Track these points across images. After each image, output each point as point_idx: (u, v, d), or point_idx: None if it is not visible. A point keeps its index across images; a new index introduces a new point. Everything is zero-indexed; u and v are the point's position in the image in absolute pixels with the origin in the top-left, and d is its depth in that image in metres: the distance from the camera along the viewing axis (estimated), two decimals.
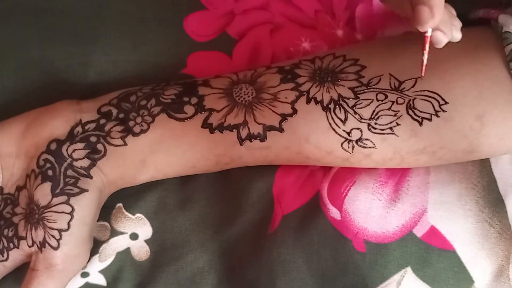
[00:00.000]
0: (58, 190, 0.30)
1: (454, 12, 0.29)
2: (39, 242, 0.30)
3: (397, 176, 0.33)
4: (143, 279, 0.33)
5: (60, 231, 0.29)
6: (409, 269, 0.32)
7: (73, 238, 0.30)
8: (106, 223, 0.33)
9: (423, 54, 0.28)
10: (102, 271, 0.33)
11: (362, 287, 0.32)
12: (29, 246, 0.30)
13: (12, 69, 0.34)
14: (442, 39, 0.27)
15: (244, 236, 0.33)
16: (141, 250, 0.34)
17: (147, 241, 0.34)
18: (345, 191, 0.33)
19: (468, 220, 0.32)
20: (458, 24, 0.29)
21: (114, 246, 0.33)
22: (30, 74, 0.34)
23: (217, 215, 0.34)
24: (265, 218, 0.33)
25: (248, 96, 0.31)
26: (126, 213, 0.34)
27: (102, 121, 0.31)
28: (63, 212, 0.30)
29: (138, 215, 0.34)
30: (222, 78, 0.33)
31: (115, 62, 0.35)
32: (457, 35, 0.29)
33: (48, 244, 0.29)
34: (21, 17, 0.35)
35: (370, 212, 0.33)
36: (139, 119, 0.31)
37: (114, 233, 0.33)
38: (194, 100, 0.31)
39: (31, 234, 0.30)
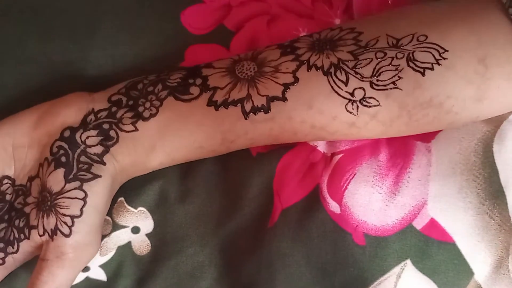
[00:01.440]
0: (71, 176, 0.30)
1: None
2: (51, 229, 0.29)
3: (397, 168, 0.33)
4: (143, 274, 0.33)
5: (72, 217, 0.29)
6: (408, 261, 0.32)
7: (86, 225, 0.30)
8: (108, 217, 0.33)
9: None
10: (103, 266, 0.33)
11: (362, 280, 0.32)
12: (40, 236, 0.30)
13: (11, 65, 0.34)
14: None
15: (244, 230, 0.33)
16: (142, 245, 0.33)
17: (148, 235, 0.33)
18: (345, 185, 0.33)
19: (468, 213, 0.32)
20: None
21: (115, 240, 0.33)
22: (30, 70, 0.34)
23: (217, 209, 0.33)
24: (264, 212, 0.33)
25: (250, 71, 0.31)
26: (128, 207, 0.33)
27: (114, 108, 0.31)
28: (76, 198, 0.29)
29: (140, 208, 0.33)
30: (224, 59, 0.33)
31: (113, 56, 0.34)
32: None
33: (60, 231, 0.29)
34: (19, 14, 0.34)
35: (369, 206, 0.32)
36: (147, 104, 0.31)
37: (116, 227, 0.33)
38: (198, 81, 0.31)
39: (43, 222, 0.29)
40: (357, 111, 0.30)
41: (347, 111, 0.30)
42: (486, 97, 0.30)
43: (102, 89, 0.33)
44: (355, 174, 0.33)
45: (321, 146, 0.34)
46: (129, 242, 0.33)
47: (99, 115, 0.31)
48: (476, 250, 0.31)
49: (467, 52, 0.29)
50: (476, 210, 0.32)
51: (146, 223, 0.33)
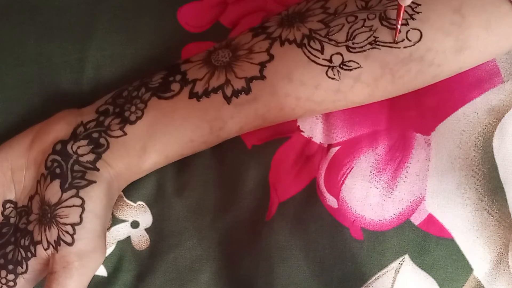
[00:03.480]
0: (67, 185, 0.29)
1: None
2: (54, 241, 0.29)
3: (396, 162, 0.32)
4: (142, 269, 0.33)
5: (73, 225, 0.29)
6: (407, 256, 0.31)
7: (87, 232, 0.29)
8: None
9: (398, 22, 0.28)
10: (103, 261, 0.33)
11: (360, 275, 0.31)
12: (45, 249, 0.29)
13: (10, 65, 0.34)
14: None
15: (242, 223, 0.33)
16: (141, 239, 0.33)
17: (147, 230, 0.33)
18: (342, 179, 0.32)
19: (466, 209, 0.30)
20: None
21: (115, 234, 0.33)
22: (28, 71, 0.34)
23: (214, 202, 0.33)
24: (261, 205, 0.32)
25: (225, 58, 0.31)
26: (128, 201, 0.33)
27: (101, 118, 0.31)
28: (73, 206, 0.29)
29: (139, 202, 0.33)
30: (200, 53, 0.32)
31: (111, 56, 0.34)
32: None
33: (63, 240, 0.29)
34: (18, 15, 0.34)
35: (367, 200, 0.31)
36: (133, 108, 0.31)
37: (116, 221, 0.33)
38: (178, 77, 0.31)
39: (46, 235, 0.29)
40: (339, 76, 0.29)
41: (329, 77, 0.29)
42: (466, 47, 0.29)
43: (100, 89, 0.33)
44: (352, 168, 0.32)
45: (317, 137, 0.33)
46: (129, 237, 0.33)
47: (88, 126, 0.31)
48: (475, 246, 0.30)
49: (441, 3, 0.28)
50: (474, 206, 0.30)
51: (145, 217, 0.33)
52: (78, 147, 0.30)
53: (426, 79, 0.30)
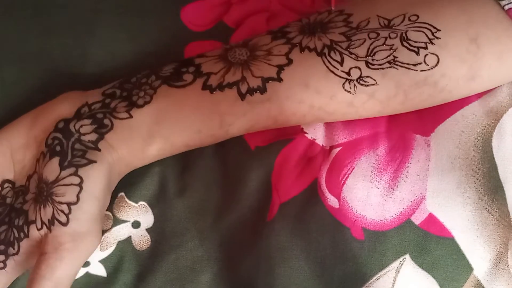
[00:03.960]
0: (66, 163, 0.29)
1: None
2: (48, 220, 0.28)
3: (396, 162, 0.32)
4: (143, 269, 0.32)
5: (69, 204, 0.28)
6: (407, 256, 0.31)
7: (83, 213, 0.28)
8: (109, 213, 0.32)
9: None
10: (103, 261, 0.32)
11: (361, 275, 0.31)
12: (38, 229, 0.28)
13: (12, 61, 0.33)
14: None
15: (243, 224, 0.32)
16: (142, 239, 0.33)
17: (148, 230, 0.33)
18: (343, 179, 0.32)
19: (467, 208, 0.31)
20: None
21: (116, 234, 0.32)
22: (30, 67, 0.33)
23: (216, 203, 0.33)
24: (263, 206, 0.32)
25: (243, 56, 0.31)
26: (129, 201, 0.33)
27: (107, 100, 0.30)
28: (71, 184, 0.28)
29: (141, 203, 0.33)
30: (216, 49, 0.32)
31: (113, 53, 0.33)
32: None
33: (57, 220, 0.28)
34: (20, 11, 0.34)
35: (368, 200, 0.31)
36: (141, 93, 0.30)
37: (117, 221, 0.32)
38: (191, 69, 0.31)
39: (40, 214, 0.28)
40: (354, 90, 0.29)
41: (345, 90, 0.29)
42: (478, 75, 0.29)
43: (101, 86, 0.32)
44: (353, 169, 0.32)
45: (320, 139, 0.33)
46: (129, 237, 0.33)
47: (93, 107, 0.30)
48: (475, 245, 0.30)
49: (459, 31, 0.29)
50: (474, 205, 0.31)
51: (147, 217, 0.33)
52: (81, 126, 0.30)
53: (434, 102, 0.31)
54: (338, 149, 0.33)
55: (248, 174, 0.32)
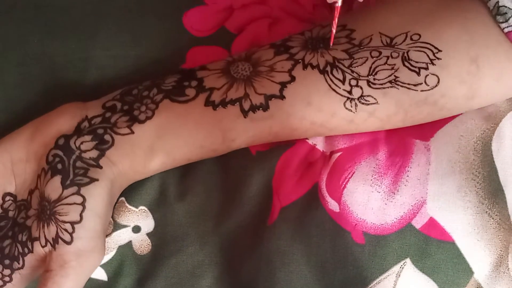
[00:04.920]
0: (68, 182, 0.28)
1: None
2: (52, 238, 0.28)
3: (396, 166, 0.32)
4: (144, 273, 0.32)
5: (72, 223, 0.28)
6: (408, 260, 0.31)
7: (87, 231, 0.28)
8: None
9: (332, 25, 0.28)
10: (103, 265, 0.32)
11: (362, 279, 0.31)
12: (43, 247, 0.28)
13: (13, 64, 0.33)
14: None
15: (244, 228, 0.32)
16: (142, 244, 0.32)
17: (148, 235, 0.32)
18: (344, 183, 0.32)
19: (467, 212, 0.30)
20: None
21: (116, 239, 0.32)
22: (31, 70, 0.33)
23: (217, 207, 0.32)
24: (264, 210, 0.32)
25: (246, 71, 0.30)
26: (129, 206, 0.32)
27: (108, 114, 0.30)
28: (74, 204, 0.28)
29: (141, 207, 0.32)
30: (217, 61, 0.32)
31: (115, 57, 0.33)
32: None
33: (61, 239, 0.28)
34: (21, 13, 0.33)
35: (368, 204, 0.31)
36: (143, 108, 0.30)
37: (117, 226, 0.32)
38: (194, 83, 0.30)
39: (44, 232, 0.28)
40: (355, 109, 0.30)
41: (346, 108, 0.30)
42: (477, 95, 0.30)
43: (103, 90, 0.32)
44: (354, 173, 0.32)
45: (320, 145, 0.33)
46: (130, 242, 0.32)
47: (93, 121, 0.30)
48: (476, 249, 0.30)
49: (460, 52, 0.29)
50: (475, 209, 0.31)
51: (147, 222, 0.32)
52: (82, 143, 0.29)
53: (433, 118, 0.31)
54: (338, 154, 0.33)
55: (249, 178, 0.32)
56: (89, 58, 0.33)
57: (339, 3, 0.27)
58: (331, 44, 0.29)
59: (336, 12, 0.28)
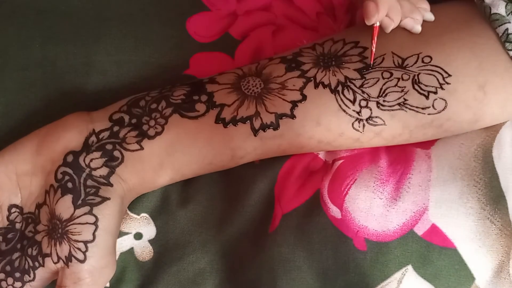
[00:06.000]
0: (79, 202, 0.28)
1: None
2: (65, 256, 0.27)
3: (398, 174, 0.32)
4: (145, 280, 0.31)
5: (85, 243, 0.27)
6: (410, 267, 0.31)
7: (99, 249, 0.28)
8: None
9: (372, 44, 0.29)
10: None
11: (363, 285, 0.30)
12: (55, 263, 0.28)
13: (15, 69, 0.32)
14: (388, 25, 0.28)
15: (245, 236, 0.31)
16: (144, 250, 0.31)
17: (150, 241, 0.31)
18: (346, 190, 0.32)
19: (469, 218, 0.30)
20: (427, 6, 0.30)
21: (118, 246, 0.31)
22: (33, 75, 0.32)
23: (218, 215, 0.32)
24: (265, 217, 0.32)
25: (257, 88, 0.30)
26: (131, 214, 0.31)
27: (116, 128, 0.29)
28: (87, 223, 0.27)
29: (143, 214, 0.32)
30: (227, 74, 0.31)
31: (118, 62, 0.33)
32: (429, 17, 0.31)
33: (75, 257, 0.27)
34: (23, 18, 0.33)
35: (370, 211, 0.31)
36: (152, 122, 0.29)
37: (119, 233, 0.31)
38: (204, 97, 0.30)
39: (56, 249, 0.28)
40: (363, 129, 0.30)
41: (354, 128, 0.30)
42: (481, 120, 0.30)
43: (106, 95, 0.31)
44: (355, 179, 0.32)
45: (322, 154, 0.33)
46: (132, 248, 0.31)
47: (100, 136, 0.29)
48: (477, 255, 0.30)
49: (469, 77, 0.29)
50: (477, 215, 0.31)
51: (149, 229, 0.32)
52: (91, 160, 0.29)
53: (435, 138, 0.32)
54: (340, 161, 0.32)
55: (251, 186, 0.32)
56: (91, 63, 0.33)
57: (378, 24, 0.27)
58: (371, 64, 0.29)
59: (374, 32, 0.28)
